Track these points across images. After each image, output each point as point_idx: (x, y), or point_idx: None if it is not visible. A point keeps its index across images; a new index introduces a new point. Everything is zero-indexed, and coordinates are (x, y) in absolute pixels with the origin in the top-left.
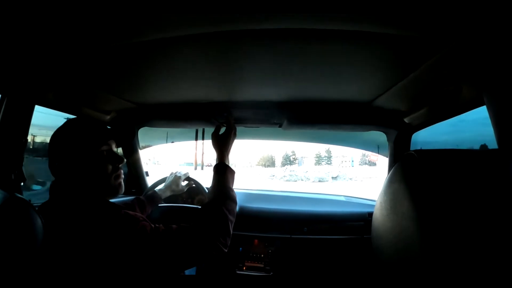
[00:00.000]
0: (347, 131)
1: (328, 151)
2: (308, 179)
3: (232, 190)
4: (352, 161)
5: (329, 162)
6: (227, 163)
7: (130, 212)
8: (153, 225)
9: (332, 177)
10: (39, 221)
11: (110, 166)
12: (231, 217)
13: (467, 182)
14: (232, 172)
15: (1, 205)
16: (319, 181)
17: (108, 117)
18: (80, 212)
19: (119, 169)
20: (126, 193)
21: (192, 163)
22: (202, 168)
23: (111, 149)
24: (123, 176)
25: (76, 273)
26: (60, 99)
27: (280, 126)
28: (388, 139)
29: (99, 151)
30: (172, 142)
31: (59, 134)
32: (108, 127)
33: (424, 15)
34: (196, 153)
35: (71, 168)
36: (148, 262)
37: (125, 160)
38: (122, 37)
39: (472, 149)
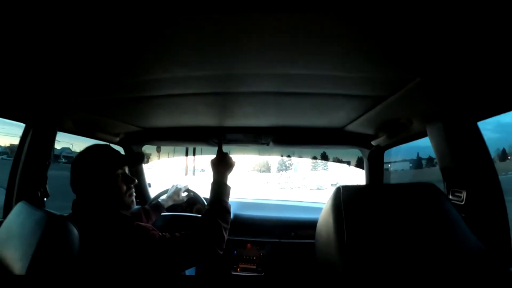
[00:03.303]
0: (325, 149)
1: (325, 157)
2: (306, 186)
3: (226, 202)
4: (349, 166)
5: (325, 168)
6: (224, 181)
7: (142, 223)
8: (160, 234)
9: (332, 184)
10: (75, 233)
11: (124, 186)
12: (224, 225)
13: (370, 210)
14: (227, 187)
15: (47, 224)
16: (318, 188)
17: (118, 138)
18: (100, 224)
19: (131, 188)
20: None
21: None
22: (193, 174)
23: (125, 172)
24: (134, 194)
25: (95, 275)
26: (78, 126)
27: (267, 145)
28: (363, 155)
29: (115, 174)
30: (158, 147)
31: (82, 158)
32: (122, 152)
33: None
34: (187, 161)
35: (92, 187)
36: (156, 263)
37: (136, 180)
38: (128, 75)
39: (405, 183)
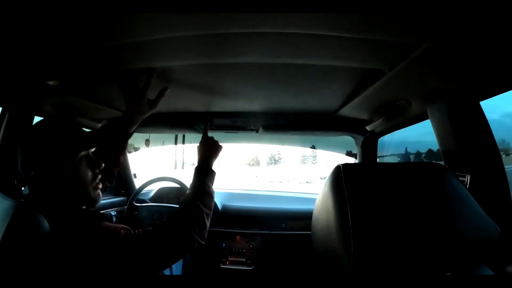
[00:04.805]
0: (318, 136)
1: (314, 151)
2: (295, 180)
3: (209, 186)
4: (338, 161)
5: (314, 162)
6: (209, 165)
7: (111, 225)
8: (132, 232)
9: (321, 178)
10: (46, 224)
11: (90, 173)
12: (206, 210)
13: (375, 189)
14: (211, 172)
15: (14, 214)
16: (307, 182)
17: (100, 124)
18: (57, 226)
19: (98, 175)
20: (116, 194)
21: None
22: (182, 168)
23: (89, 155)
24: (101, 184)
25: (68, 277)
26: (57, 109)
27: (257, 132)
28: (356, 143)
29: (77, 158)
30: (147, 140)
31: (32, 137)
32: (86, 130)
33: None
34: (176, 154)
35: (46, 176)
36: (134, 265)
37: (103, 164)
38: (112, 37)
39: (408, 162)
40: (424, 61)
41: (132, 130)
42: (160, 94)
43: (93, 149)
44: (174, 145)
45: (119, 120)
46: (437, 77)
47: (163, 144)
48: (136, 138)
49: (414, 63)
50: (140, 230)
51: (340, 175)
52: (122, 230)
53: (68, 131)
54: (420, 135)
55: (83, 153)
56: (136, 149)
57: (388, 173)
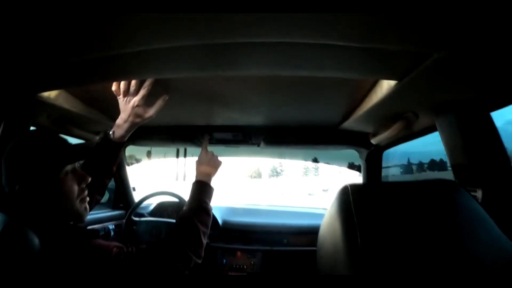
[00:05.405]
0: (320, 150)
1: (316, 162)
2: (297, 192)
3: (206, 203)
4: (340, 172)
5: (316, 174)
6: (207, 181)
7: (103, 243)
8: (126, 250)
9: (323, 190)
10: (36, 241)
11: (76, 187)
12: (203, 228)
13: (386, 212)
14: (209, 188)
15: (4, 228)
16: (309, 194)
17: (98, 137)
18: (53, 243)
19: (84, 190)
20: (114, 208)
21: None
22: (184, 179)
23: (75, 168)
24: (88, 198)
25: None
26: (53, 121)
27: (258, 146)
28: (360, 157)
29: (63, 172)
30: (148, 152)
31: (16, 151)
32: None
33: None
34: (177, 167)
35: (30, 191)
36: (127, 285)
37: (89, 178)
38: (110, 47)
39: (417, 180)
40: (435, 71)
41: (125, 139)
42: (158, 103)
43: (80, 162)
44: (175, 158)
45: (113, 128)
46: (447, 87)
47: (164, 156)
48: (137, 150)
49: (424, 73)
50: (134, 248)
51: (348, 197)
52: (115, 249)
53: (52, 144)
54: (422, 145)
55: (68, 167)
56: (137, 161)
57: (399, 194)
